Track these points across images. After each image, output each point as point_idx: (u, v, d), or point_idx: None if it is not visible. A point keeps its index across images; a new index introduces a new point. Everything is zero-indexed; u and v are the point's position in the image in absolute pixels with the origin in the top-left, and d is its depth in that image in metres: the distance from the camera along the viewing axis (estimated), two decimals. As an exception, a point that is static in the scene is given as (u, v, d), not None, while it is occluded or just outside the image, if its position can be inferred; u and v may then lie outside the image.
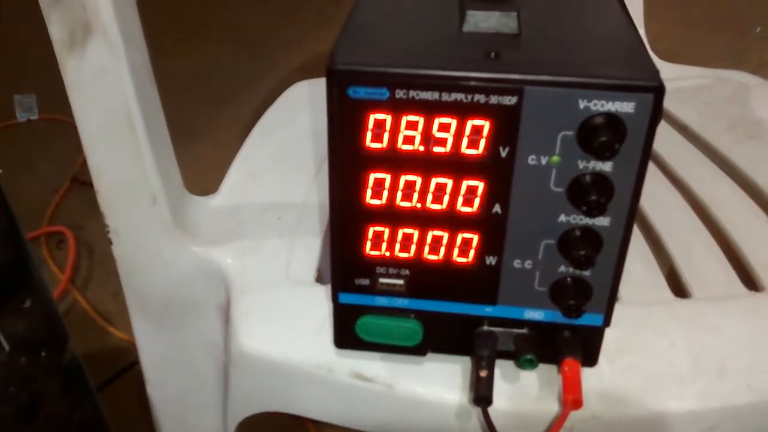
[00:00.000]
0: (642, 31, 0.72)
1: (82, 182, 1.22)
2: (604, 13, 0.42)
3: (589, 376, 0.42)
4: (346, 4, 0.43)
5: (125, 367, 0.91)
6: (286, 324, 0.46)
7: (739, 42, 1.57)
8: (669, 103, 0.66)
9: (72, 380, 0.42)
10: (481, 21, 0.37)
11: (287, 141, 0.62)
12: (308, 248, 0.51)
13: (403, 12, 0.41)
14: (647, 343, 0.44)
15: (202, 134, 1.33)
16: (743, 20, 1.66)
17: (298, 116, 0.65)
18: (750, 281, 0.49)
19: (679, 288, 0.49)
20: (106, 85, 0.44)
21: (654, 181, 0.58)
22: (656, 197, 0.56)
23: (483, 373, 0.40)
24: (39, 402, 0.40)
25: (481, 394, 0.39)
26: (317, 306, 0.47)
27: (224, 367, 0.52)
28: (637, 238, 0.52)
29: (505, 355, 0.42)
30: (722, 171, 0.59)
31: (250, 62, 1.61)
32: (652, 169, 0.60)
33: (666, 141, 0.62)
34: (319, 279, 0.49)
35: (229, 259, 0.51)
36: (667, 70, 0.71)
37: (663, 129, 0.64)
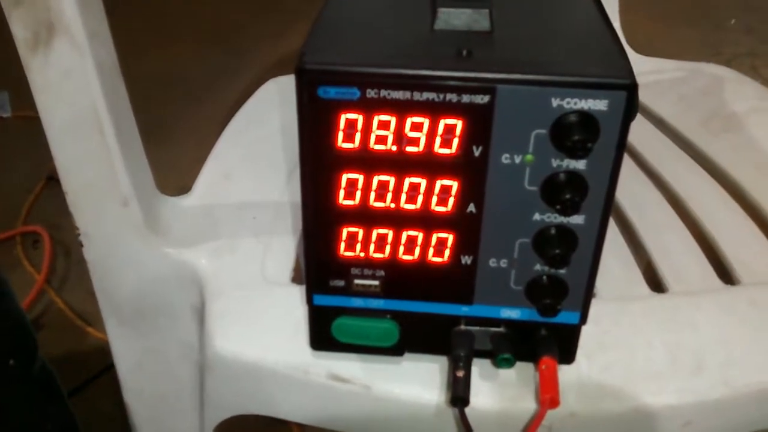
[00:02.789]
0: (617, 24, 0.72)
1: (57, 181, 1.20)
2: (577, 9, 0.41)
3: (567, 373, 0.42)
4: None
5: (104, 368, 0.91)
6: (262, 325, 0.46)
7: (714, 34, 1.59)
8: (645, 97, 0.67)
9: (43, 389, 0.41)
10: (453, 18, 0.36)
11: (261, 139, 0.61)
12: (284, 248, 0.51)
13: (374, 9, 0.40)
14: (625, 340, 0.44)
15: (181, 132, 1.32)
16: (718, 12, 1.68)
17: (272, 114, 0.64)
18: (726, 275, 0.49)
19: (656, 282, 0.49)
20: (73, 86, 0.43)
21: (630, 175, 0.58)
22: (633, 191, 0.56)
23: (460, 374, 0.39)
24: (6, 412, 0.39)
25: (458, 395, 0.39)
26: (293, 307, 0.46)
27: (200, 369, 0.51)
28: (613, 233, 0.52)
29: (483, 354, 0.41)
30: (698, 164, 0.59)
31: (228, 58, 1.59)
32: (628, 163, 0.60)
33: (642, 135, 0.62)
34: (298, 278, 0.49)
35: (203, 259, 0.50)
36: (642, 64, 0.71)
37: (639, 123, 0.65)
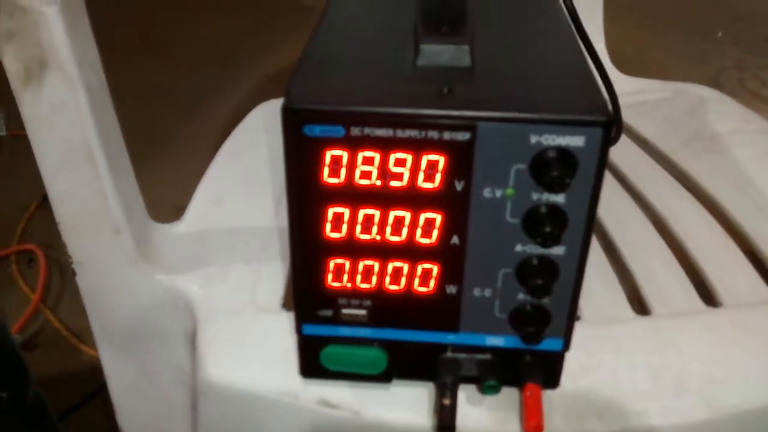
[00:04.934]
0: (601, 46, 0.73)
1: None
2: (556, 41, 0.42)
3: (552, 396, 0.43)
4: (317, 10, 0.43)
5: (98, 388, 0.91)
6: (252, 352, 0.46)
7: (701, 46, 1.60)
8: (629, 118, 0.68)
9: (34, 417, 0.41)
10: (435, 55, 0.37)
11: (253, 164, 0.62)
12: (275, 274, 0.51)
13: (359, 45, 0.41)
14: (609, 362, 0.45)
15: (176, 147, 1.32)
16: (705, 25, 1.69)
17: (264, 138, 0.65)
18: (709, 296, 0.50)
19: (640, 304, 0.49)
20: (64, 119, 0.44)
21: (615, 196, 0.59)
22: (617, 212, 0.57)
23: (446, 401, 0.40)
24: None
25: (444, 423, 0.39)
26: (283, 333, 0.47)
27: (193, 393, 0.52)
28: (598, 255, 0.53)
29: (469, 380, 0.42)
30: (681, 185, 0.60)
31: (222, 74, 1.60)
32: (612, 183, 0.61)
33: (626, 155, 0.63)
34: (289, 304, 0.49)
35: (194, 286, 0.50)
36: (627, 84, 0.73)
37: (624, 144, 0.66)
